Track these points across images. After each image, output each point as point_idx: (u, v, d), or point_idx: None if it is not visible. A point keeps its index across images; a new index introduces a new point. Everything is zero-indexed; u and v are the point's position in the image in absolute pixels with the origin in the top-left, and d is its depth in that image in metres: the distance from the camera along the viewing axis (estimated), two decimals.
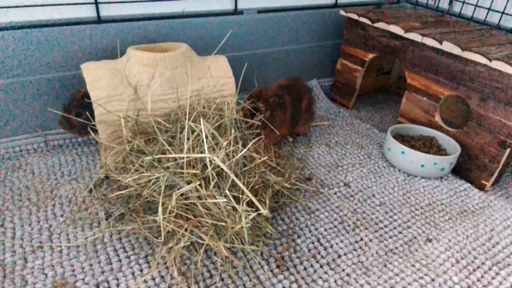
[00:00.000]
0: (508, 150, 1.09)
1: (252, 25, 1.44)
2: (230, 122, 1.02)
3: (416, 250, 0.93)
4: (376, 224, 1.00)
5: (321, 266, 0.87)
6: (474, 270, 0.89)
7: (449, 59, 1.19)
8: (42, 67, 1.14)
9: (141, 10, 1.26)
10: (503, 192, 1.18)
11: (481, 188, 1.17)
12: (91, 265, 0.83)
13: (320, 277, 0.84)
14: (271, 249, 0.89)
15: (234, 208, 0.83)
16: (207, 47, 1.34)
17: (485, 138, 1.14)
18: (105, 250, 0.86)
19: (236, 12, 1.41)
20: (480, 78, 1.12)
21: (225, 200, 0.81)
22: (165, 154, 0.92)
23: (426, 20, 1.43)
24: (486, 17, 1.49)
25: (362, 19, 1.43)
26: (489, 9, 1.47)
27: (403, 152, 1.17)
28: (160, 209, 0.80)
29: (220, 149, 0.89)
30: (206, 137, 0.89)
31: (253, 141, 0.98)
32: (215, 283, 0.80)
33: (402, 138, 1.28)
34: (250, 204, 0.83)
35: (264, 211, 0.80)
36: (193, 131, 0.93)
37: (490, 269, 0.90)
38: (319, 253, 0.90)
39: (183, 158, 0.87)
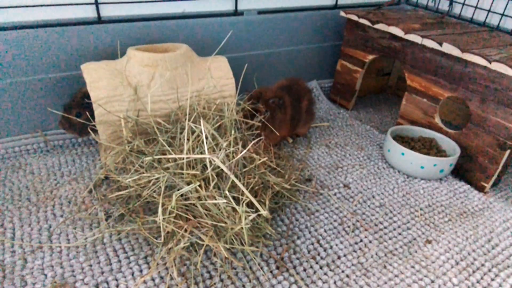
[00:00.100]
0: (508, 151, 1.09)
1: (252, 26, 1.44)
2: (230, 123, 1.02)
3: (416, 252, 0.93)
4: (376, 225, 1.00)
5: (321, 267, 0.87)
6: (473, 271, 0.89)
7: (449, 60, 1.20)
8: (42, 67, 1.14)
9: (142, 11, 1.26)
10: (503, 194, 1.18)
11: (481, 189, 1.17)
12: (90, 265, 0.83)
13: (320, 278, 0.84)
14: (271, 250, 0.89)
15: (234, 209, 0.83)
16: (207, 47, 1.35)
17: (484, 139, 1.14)
18: (104, 251, 0.86)
19: (236, 13, 1.41)
20: (480, 79, 1.12)
21: (225, 201, 0.81)
22: (165, 154, 0.92)
23: (426, 22, 1.43)
24: (486, 18, 1.49)
25: (362, 21, 1.43)
26: (489, 10, 1.47)
27: (403, 154, 1.17)
28: (160, 209, 0.80)
29: (220, 149, 0.89)
30: (206, 138, 0.89)
31: (253, 142, 0.98)
32: (214, 284, 0.80)
33: (402, 139, 1.28)
34: (250, 205, 0.83)
35: (264, 212, 0.80)
36: (193, 132, 0.93)
37: (489, 270, 0.90)
38: (318, 254, 0.90)
39: (183, 158, 0.87)
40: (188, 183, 0.84)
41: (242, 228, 0.79)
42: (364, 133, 1.43)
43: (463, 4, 1.56)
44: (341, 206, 1.05)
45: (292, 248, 0.91)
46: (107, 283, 0.79)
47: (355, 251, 0.91)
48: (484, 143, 1.14)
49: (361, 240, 0.95)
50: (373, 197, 1.10)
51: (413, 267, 0.89)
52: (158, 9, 1.28)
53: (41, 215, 0.94)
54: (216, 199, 0.81)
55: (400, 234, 0.98)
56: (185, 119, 0.98)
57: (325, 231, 0.96)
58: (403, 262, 0.90)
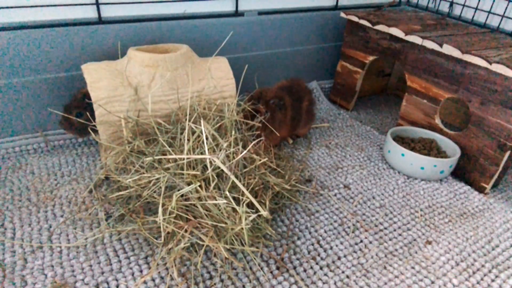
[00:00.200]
0: (508, 152, 1.09)
1: (252, 27, 1.44)
2: (231, 123, 1.02)
3: (416, 252, 0.93)
4: (376, 226, 1.00)
5: (321, 268, 0.87)
6: (473, 272, 0.89)
7: (449, 61, 1.20)
8: (43, 68, 1.14)
9: (142, 11, 1.26)
10: (503, 195, 1.18)
11: (481, 190, 1.17)
12: (91, 265, 0.83)
13: (320, 279, 0.84)
14: (271, 250, 0.89)
15: (234, 210, 0.83)
16: (208, 48, 1.35)
17: (485, 140, 1.14)
18: (105, 251, 0.86)
19: (237, 13, 1.41)
20: (480, 81, 1.12)
21: (225, 201, 0.81)
22: (166, 155, 0.92)
23: (427, 23, 1.44)
24: (486, 20, 1.49)
25: (362, 22, 1.43)
26: (489, 12, 1.48)
27: (403, 154, 1.17)
28: (160, 210, 0.80)
29: (220, 150, 0.89)
30: (207, 138, 0.89)
31: (253, 142, 0.98)
32: (214, 284, 0.80)
33: (402, 140, 1.28)
34: (250, 205, 0.83)
35: (264, 213, 0.80)
36: (193, 132, 0.93)
37: (489, 271, 0.90)
38: (319, 255, 0.90)
39: (183, 159, 0.87)
40: (189, 184, 0.84)
41: (242, 228, 0.79)
42: (364, 134, 1.43)
43: (464, 5, 1.56)
44: (341, 206, 1.05)
45: (292, 248, 0.91)
46: (107, 283, 0.79)
47: (355, 252, 0.91)
48: (484, 144, 1.14)
49: (361, 241, 0.95)
50: (373, 197, 1.10)
51: (413, 268, 0.89)
52: (159, 9, 1.28)
53: (41, 215, 0.94)
54: (216, 200, 0.81)
55: (400, 235, 0.98)
56: (186, 120, 0.98)
57: (325, 231, 0.96)
58: (403, 263, 0.90)
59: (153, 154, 0.94)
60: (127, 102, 1.03)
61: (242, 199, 0.82)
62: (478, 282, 0.87)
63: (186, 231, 0.82)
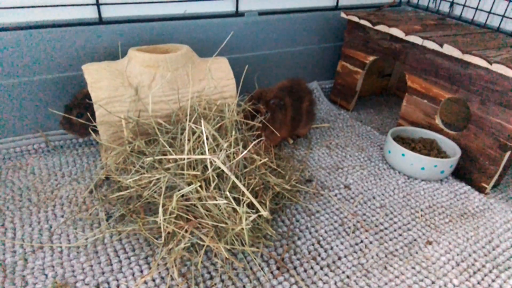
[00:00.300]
0: (508, 153, 1.09)
1: (253, 27, 1.44)
2: (231, 123, 1.02)
3: (417, 253, 0.93)
4: (376, 226, 1.00)
5: (321, 268, 0.87)
6: (474, 272, 0.89)
7: (450, 62, 1.20)
8: (44, 68, 1.15)
9: (143, 12, 1.26)
10: (504, 195, 1.18)
11: (481, 190, 1.17)
12: (91, 265, 0.83)
13: (320, 279, 0.84)
14: (271, 250, 0.89)
15: (234, 210, 0.83)
16: (208, 48, 1.35)
17: (485, 141, 1.14)
18: (105, 251, 0.86)
19: (237, 14, 1.41)
20: (481, 81, 1.12)
21: (225, 201, 0.81)
22: (166, 155, 0.92)
23: (427, 23, 1.44)
24: (486, 20, 1.49)
25: (362, 22, 1.43)
26: (489, 12, 1.48)
27: (403, 155, 1.17)
28: (160, 210, 0.80)
29: (220, 150, 0.89)
30: (207, 139, 0.89)
31: (253, 142, 0.98)
32: (215, 284, 0.80)
33: (402, 140, 1.28)
34: (250, 205, 0.83)
35: (265, 213, 0.80)
36: (193, 133, 0.93)
37: (490, 271, 0.89)
38: (319, 255, 0.90)
39: (184, 159, 0.87)
40: (189, 184, 0.84)
41: (242, 228, 0.79)
42: (365, 134, 1.43)
43: (464, 5, 1.56)
44: (342, 207, 1.05)
45: (293, 248, 0.91)
46: (108, 283, 0.79)
47: (355, 252, 0.91)
48: (485, 144, 1.14)
49: (362, 241, 0.95)
50: (374, 198, 1.10)
51: (413, 268, 0.89)
52: (159, 10, 1.29)
53: (42, 215, 0.94)
54: (216, 200, 0.81)
55: (400, 235, 0.98)
56: (186, 120, 0.98)
57: (326, 232, 0.96)
58: (403, 263, 0.90)
59: (154, 154, 0.94)
60: (127, 103, 1.03)
61: (243, 199, 0.82)
62: (478, 283, 0.87)
63: (186, 231, 0.82)
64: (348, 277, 0.85)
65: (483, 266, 0.91)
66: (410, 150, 1.17)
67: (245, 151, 0.88)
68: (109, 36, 1.20)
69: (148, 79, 1.05)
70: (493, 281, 0.87)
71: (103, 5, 1.19)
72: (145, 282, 0.80)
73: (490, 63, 1.07)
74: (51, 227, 0.91)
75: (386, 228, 0.99)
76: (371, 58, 1.47)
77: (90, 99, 1.01)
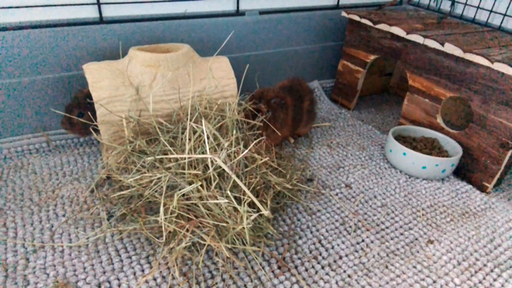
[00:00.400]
0: (510, 151, 1.09)
1: (254, 26, 1.44)
2: (232, 123, 1.02)
3: (418, 252, 0.93)
4: (378, 225, 1.00)
5: (323, 267, 0.87)
6: (475, 272, 0.89)
7: (451, 60, 1.19)
8: (44, 68, 1.15)
9: (144, 11, 1.26)
10: (505, 194, 1.17)
11: (483, 189, 1.17)
12: (92, 265, 0.83)
13: (322, 278, 0.84)
14: (272, 250, 0.89)
15: (235, 209, 0.83)
16: (209, 48, 1.35)
17: (486, 139, 1.13)
18: (106, 250, 0.86)
19: (238, 13, 1.41)
20: (482, 79, 1.12)
21: (226, 200, 0.81)
22: (167, 154, 0.92)
23: (428, 22, 1.43)
24: (488, 19, 1.49)
25: (363, 21, 1.43)
26: (491, 11, 1.47)
27: (404, 154, 1.17)
28: (161, 209, 0.80)
29: (221, 149, 0.89)
30: (208, 138, 0.89)
31: (254, 142, 0.98)
32: (216, 283, 0.80)
33: (403, 139, 1.28)
34: (251, 205, 0.83)
35: (266, 212, 0.80)
36: (194, 132, 0.93)
37: (492, 271, 0.89)
38: (320, 254, 0.90)
39: (185, 158, 0.87)
40: (190, 183, 0.84)
41: (243, 228, 0.79)
42: (366, 133, 1.43)
43: (465, 4, 1.55)
44: (343, 206, 1.05)
45: (294, 248, 0.91)
46: (109, 282, 0.79)
47: (356, 251, 0.91)
48: (486, 143, 1.14)
49: (363, 240, 0.95)
50: (375, 197, 1.10)
51: (415, 267, 0.89)
52: (160, 9, 1.29)
53: (43, 215, 0.94)
54: (217, 199, 0.81)
55: (402, 234, 0.98)
56: (187, 119, 0.98)
57: (327, 231, 0.96)
58: (405, 262, 0.90)
59: (155, 153, 0.94)
60: (128, 102, 1.03)
61: (244, 198, 0.82)
62: (480, 282, 0.86)
63: (187, 230, 0.82)
64: (349, 276, 0.85)
65: (485, 265, 0.91)
66: (411, 149, 1.17)
67: (246, 150, 0.88)
68: (110, 35, 1.20)
69: (149, 78, 1.05)
70: (495, 280, 0.87)
71: (104, 4, 1.19)
72: (147, 281, 0.80)
73: (492, 62, 1.06)
74: (52, 226, 0.91)
75: (387, 227, 0.99)
76: (372, 57, 1.47)
77: (91, 98, 1.02)
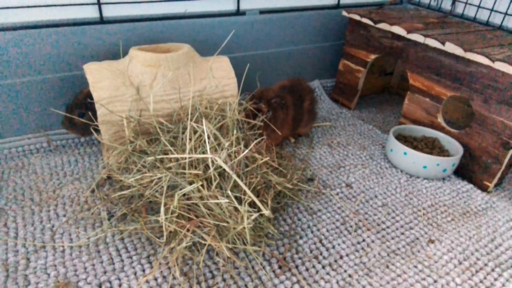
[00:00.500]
0: (511, 151, 1.09)
1: (254, 26, 1.44)
2: (232, 122, 1.02)
3: (419, 251, 0.93)
4: (378, 225, 1.00)
5: (323, 267, 0.86)
6: (477, 271, 0.89)
7: (452, 60, 1.19)
8: (45, 68, 1.15)
9: (144, 11, 1.26)
10: (506, 193, 1.17)
11: (484, 189, 1.17)
12: (93, 265, 0.83)
13: (322, 278, 0.84)
14: (273, 249, 0.89)
15: (236, 209, 0.83)
16: (209, 47, 1.35)
17: (487, 139, 1.13)
18: (107, 250, 0.86)
19: (238, 12, 1.41)
20: (483, 79, 1.12)
21: (227, 200, 0.81)
22: (167, 154, 0.92)
23: (429, 21, 1.43)
24: (488, 18, 1.49)
25: (364, 20, 1.43)
26: (491, 10, 1.47)
27: (405, 153, 1.17)
28: (162, 209, 0.80)
29: (222, 149, 0.89)
30: (208, 138, 0.89)
31: (255, 141, 0.98)
32: (217, 283, 0.80)
33: (404, 139, 1.28)
34: (252, 204, 0.83)
35: (266, 212, 0.80)
36: (195, 132, 0.93)
37: (493, 270, 0.89)
38: (321, 254, 0.90)
39: (185, 158, 0.87)
40: (190, 183, 0.84)
41: (244, 227, 0.79)
42: (367, 133, 1.43)
43: (466, 3, 1.55)
44: (344, 205, 1.05)
45: (294, 247, 0.91)
46: (110, 282, 0.79)
47: (357, 251, 0.91)
48: (487, 142, 1.13)
49: (364, 240, 0.95)
50: (376, 196, 1.10)
51: (415, 266, 0.88)
52: (160, 9, 1.29)
53: (44, 215, 0.94)
54: (218, 199, 0.81)
55: (402, 233, 0.98)
56: (187, 119, 0.98)
57: (328, 230, 0.96)
58: (405, 262, 0.89)
59: (155, 153, 0.94)
60: (129, 102, 1.03)
61: (244, 198, 0.82)
62: (481, 281, 0.86)
63: (188, 230, 0.82)
64: (350, 276, 0.85)
65: (486, 264, 0.90)
66: (412, 149, 1.17)
67: (247, 150, 0.88)
68: (110, 35, 1.20)
69: (149, 78, 1.05)
70: (496, 279, 0.87)
71: (104, 4, 1.19)
72: (147, 281, 0.80)
73: (493, 61, 1.06)
74: (53, 226, 0.92)
75: (388, 227, 0.99)
76: (373, 56, 1.47)
77: (91, 98, 1.02)
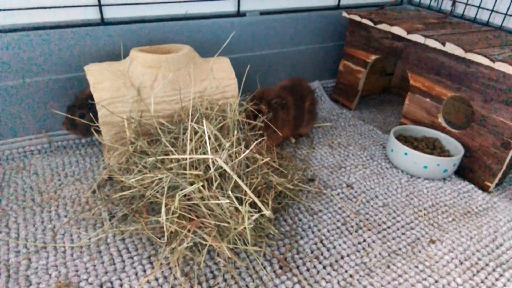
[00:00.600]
0: None
1: (254, 27, 1.44)
2: (233, 123, 1.02)
3: (420, 252, 0.93)
4: (379, 225, 1.00)
5: (324, 267, 0.86)
6: (478, 271, 0.89)
7: (452, 60, 1.19)
8: (46, 69, 1.15)
9: (144, 12, 1.27)
10: (507, 193, 1.17)
11: (485, 189, 1.17)
12: (94, 265, 0.83)
13: (323, 278, 0.84)
14: (274, 250, 0.89)
15: (237, 209, 0.83)
16: (210, 48, 1.35)
17: (488, 139, 1.13)
18: (108, 251, 0.86)
19: (238, 14, 1.41)
20: (483, 79, 1.12)
21: (228, 201, 0.81)
22: (168, 155, 0.92)
23: (429, 22, 1.43)
24: (489, 18, 1.49)
25: (364, 21, 1.43)
26: (492, 10, 1.47)
27: (406, 153, 1.17)
28: (163, 210, 0.80)
29: (222, 150, 0.89)
30: (209, 138, 0.89)
31: (256, 142, 0.98)
32: (218, 283, 0.80)
33: (405, 139, 1.28)
34: (253, 205, 0.83)
35: (267, 212, 0.80)
36: (196, 132, 0.93)
37: (494, 270, 0.89)
38: (322, 254, 0.90)
39: (186, 159, 0.87)
40: (191, 184, 0.84)
41: (245, 228, 0.79)
42: (367, 133, 1.43)
43: (466, 4, 1.55)
44: (344, 206, 1.05)
45: (295, 248, 0.91)
46: (111, 282, 0.80)
47: (358, 251, 0.91)
48: (488, 142, 1.13)
49: (365, 240, 0.95)
50: (376, 197, 1.10)
51: (416, 267, 0.88)
52: (161, 10, 1.29)
53: (45, 215, 0.94)
54: (219, 199, 0.81)
55: (403, 234, 0.98)
56: (188, 120, 0.98)
57: (328, 231, 0.96)
58: (406, 262, 0.89)
59: (156, 154, 0.94)
60: (129, 103, 1.04)
61: (245, 198, 0.82)
62: (482, 281, 0.86)
63: (189, 230, 0.82)
64: (351, 276, 0.85)
65: (487, 264, 0.90)
66: (412, 149, 1.17)
67: (247, 151, 0.88)
68: (111, 36, 1.20)
69: (150, 79, 1.06)
70: (497, 279, 0.87)
71: (105, 6, 1.19)
72: (148, 282, 0.80)
73: (493, 61, 1.06)
74: (54, 227, 0.92)
75: (389, 227, 0.99)
76: (373, 57, 1.47)
77: (92, 99, 1.02)
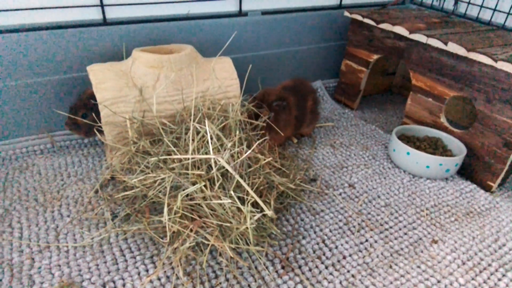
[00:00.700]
0: None
1: (256, 27, 1.44)
2: (235, 123, 1.02)
3: (422, 252, 0.92)
4: (382, 225, 1.00)
5: (326, 267, 0.87)
6: (480, 271, 0.88)
7: (454, 60, 1.19)
8: (49, 69, 1.15)
9: (147, 12, 1.27)
10: (510, 193, 1.17)
11: (487, 189, 1.16)
12: (97, 265, 0.83)
13: (325, 278, 0.84)
14: (276, 250, 0.90)
15: (239, 209, 0.83)
16: (212, 48, 1.35)
17: (490, 139, 1.13)
18: (111, 250, 0.87)
19: (240, 13, 1.41)
20: (486, 79, 1.12)
21: (230, 201, 0.81)
22: (170, 155, 0.92)
23: (431, 21, 1.43)
24: (491, 17, 1.48)
25: (366, 20, 1.43)
26: (494, 9, 1.47)
27: (408, 153, 1.17)
28: (165, 209, 0.81)
29: (225, 150, 0.89)
30: (211, 138, 0.89)
31: (257, 142, 0.98)
32: (220, 283, 0.81)
33: (407, 139, 1.27)
34: (255, 205, 0.84)
35: (269, 212, 0.81)
36: (198, 132, 0.94)
37: (496, 270, 0.89)
38: (324, 254, 0.90)
39: (188, 159, 0.87)
40: (194, 183, 0.85)
41: (247, 228, 0.79)
42: (369, 133, 1.43)
43: (468, 3, 1.55)
44: (346, 206, 1.05)
45: (297, 248, 0.91)
46: (114, 282, 0.80)
47: (360, 251, 0.91)
48: (490, 142, 1.13)
49: (367, 240, 0.95)
50: (379, 197, 1.10)
51: (419, 267, 0.88)
52: (163, 10, 1.29)
53: (48, 215, 0.95)
54: (221, 199, 0.82)
55: (406, 234, 0.98)
56: (190, 120, 0.98)
57: (330, 231, 0.96)
58: (409, 262, 0.89)
59: (158, 154, 0.94)
60: (132, 103, 1.04)
61: (247, 198, 0.82)
62: (484, 281, 0.86)
63: (191, 230, 0.82)
64: (353, 276, 0.85)
65: (489, 265, 0.90)
66: (415, 149, 1.16)
67: (249, 151, 0.88)
68: (114, 37, 1.20)
69: (152, 79, 1.06)
70: (499, 280, 0.87)
71: (107, 6, 1.20)
72: (151, 281, 0.80)
73: (495, 61, 1.06)
74: (57, 227, 0.92)
75: (391, 227, 0.99)
76: (375, 56, 1.47)
77: (95, 99, 1.02)
